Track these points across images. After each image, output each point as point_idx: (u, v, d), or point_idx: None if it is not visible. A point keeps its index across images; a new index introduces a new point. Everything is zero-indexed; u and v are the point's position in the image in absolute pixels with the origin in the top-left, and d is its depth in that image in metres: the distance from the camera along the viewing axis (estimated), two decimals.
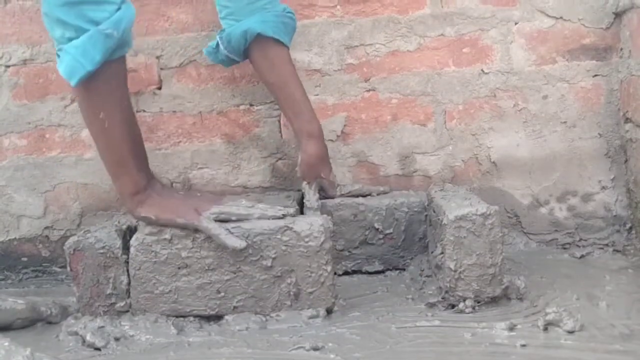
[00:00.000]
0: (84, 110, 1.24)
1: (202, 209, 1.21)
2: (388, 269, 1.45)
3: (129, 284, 1.21)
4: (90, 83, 1.17)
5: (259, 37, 1.39)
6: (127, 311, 1.21)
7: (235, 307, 1.19)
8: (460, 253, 1.17)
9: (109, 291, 1.21)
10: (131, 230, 1.25)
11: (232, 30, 1.40)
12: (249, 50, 1.43)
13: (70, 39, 1.14)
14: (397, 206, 1.44)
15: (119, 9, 1.16)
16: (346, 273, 1.45)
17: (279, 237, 1.17)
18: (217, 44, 1.44)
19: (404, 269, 1.44)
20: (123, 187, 1.24)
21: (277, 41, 1.40)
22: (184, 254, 1.19)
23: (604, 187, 1.55)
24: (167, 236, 1.19)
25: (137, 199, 1.23)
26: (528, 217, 1.58)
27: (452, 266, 1.18)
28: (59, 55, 1.17)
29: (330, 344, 1.06)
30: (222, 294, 1.19)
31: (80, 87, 1.17)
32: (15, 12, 1.62)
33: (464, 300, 1.17)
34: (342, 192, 1.49)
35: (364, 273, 1.45)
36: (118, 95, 1.24)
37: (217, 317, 1.19)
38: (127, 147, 1.24)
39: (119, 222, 1.29)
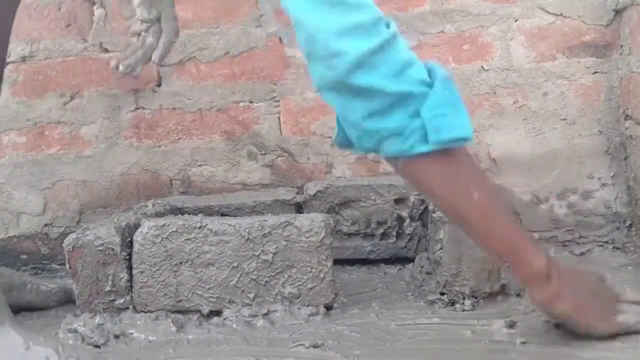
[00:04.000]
0: (453, 182, 0.92)
1: (612, 303, 0.99)
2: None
3: (128, 281, 1.21)
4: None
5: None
6: (127, 308, 1.21)
7: (235, 303, 1.19)
8: (459, 248, 1.17)
9: (108, 288, 1.21)
10: (130, 228, 1.25)
11: None
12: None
13: (414, 115, 0.88)
14: None
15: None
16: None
17: (279, 232, 1.18)
18: None
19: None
20: (534, 267, 0.94)
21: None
22: (187, 248, 1.19)
23: (603, 185, 1.55)
24: (173, 229, 1.19)
25: (552, 286, 0.94)
26: (528, 214, 1.58)
27: (450, 261, 1.18)
28: (407, 145, 0.88)
29: (329, 341, 1.06)
30: (222, 289, 1.19)
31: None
32: None
33: (463, 297, 1.17)
34: None
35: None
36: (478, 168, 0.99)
37: (217, 313, 1.19)
38: (513, 219, 1.01)
39: (117, 219, 1.29)
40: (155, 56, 1.11)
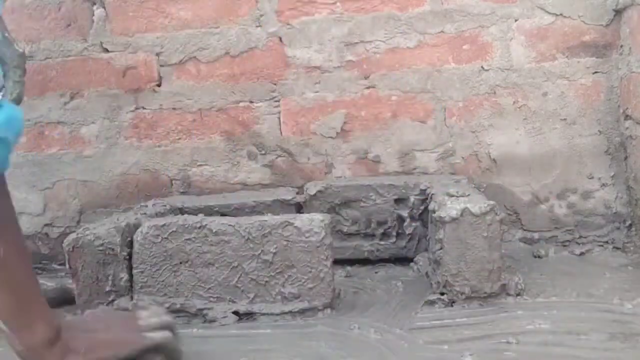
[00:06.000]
0: None
1: (132, 324, 0.97)
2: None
3: (128, 281, 1.21)
4: None
5: None
6: (127, 308, 1.21)
7: (235, 303, 1.19)
8: (459, 248, 1.17)
9: (108, 288, 1.21)
10: (130, 228, 1.25)
11: None
12: None
13: None
14: None
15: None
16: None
17: (279, 232, 1.18)
18: None
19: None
20: (37, 335, 0.85)
21: None
22: (187, 248, 1.19)
23: (603, 184, 1.55)
24: (173, 229, 1.19)
25: (59, 347, 0.87)
26: (528, 214, 1.58)
27: (450, 261, 1.18)
28: None
29: (329, 342, 1.06)
30: (222, 289, 1.19)
31: None
32: (14, 8, 1.62)
33: (463, 297, 1.17)
34: None
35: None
36: (8, 214, 0.91)
37: (217, 313, 1.19)
38: (33, 277, 0.89)
39: (117, 219, 1.29)
40: None
